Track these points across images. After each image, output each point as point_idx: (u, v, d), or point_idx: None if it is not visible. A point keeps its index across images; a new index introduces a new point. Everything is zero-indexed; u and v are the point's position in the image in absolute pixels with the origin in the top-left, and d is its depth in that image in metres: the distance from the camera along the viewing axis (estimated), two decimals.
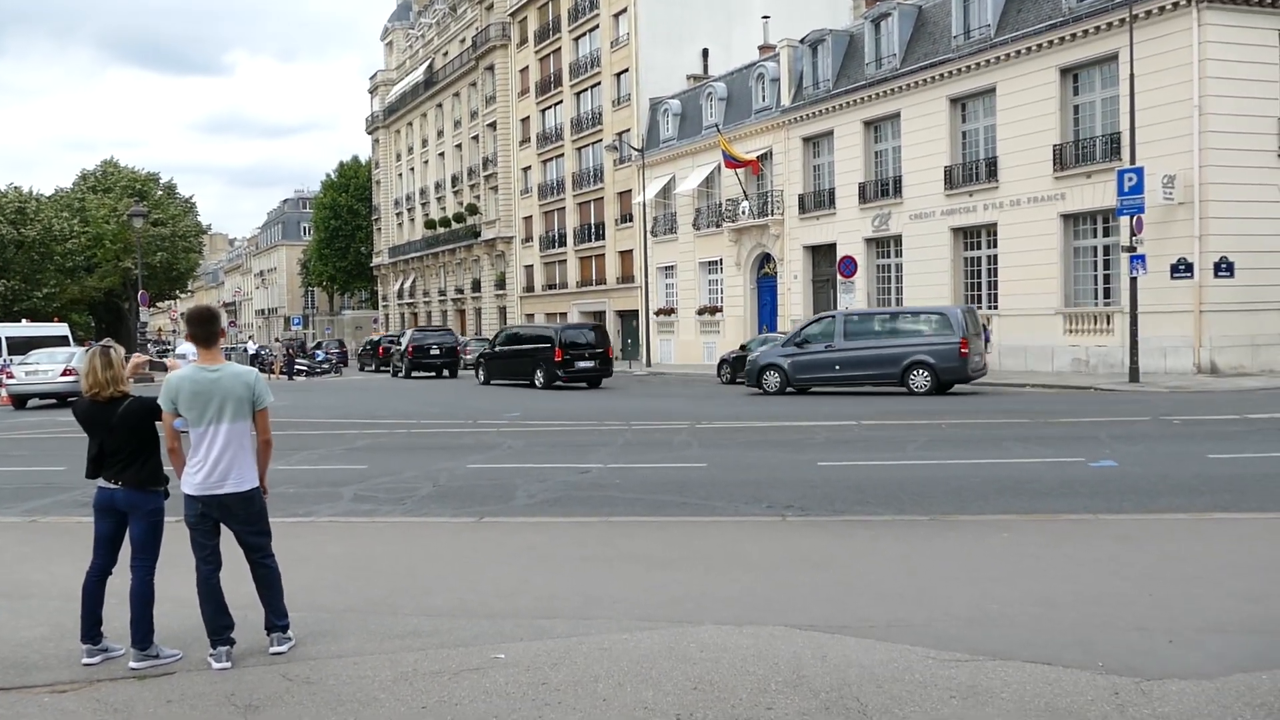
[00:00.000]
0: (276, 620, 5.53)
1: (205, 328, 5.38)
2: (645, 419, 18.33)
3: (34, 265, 49.27)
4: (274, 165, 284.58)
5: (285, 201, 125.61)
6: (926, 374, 22.02)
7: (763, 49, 41.96)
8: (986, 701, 4.52)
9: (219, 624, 5.35)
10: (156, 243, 54.50)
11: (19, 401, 25.86)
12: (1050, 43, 27.30)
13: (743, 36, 46.38)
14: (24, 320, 40.37)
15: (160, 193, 63.62)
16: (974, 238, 30.72)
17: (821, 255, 36.39)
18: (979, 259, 30.56)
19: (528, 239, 58.53)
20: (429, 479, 11.88)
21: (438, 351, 40.20)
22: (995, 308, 29.47)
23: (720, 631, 5.69)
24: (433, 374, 40.21)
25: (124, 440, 5.37)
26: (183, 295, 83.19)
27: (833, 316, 24.30)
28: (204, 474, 5.29)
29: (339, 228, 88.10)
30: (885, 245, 33.86)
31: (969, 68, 29.91)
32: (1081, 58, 26.72)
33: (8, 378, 26.35)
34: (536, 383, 29.45)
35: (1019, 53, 28.24)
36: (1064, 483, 10.48)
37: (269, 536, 5.55)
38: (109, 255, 53.46)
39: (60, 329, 36.68)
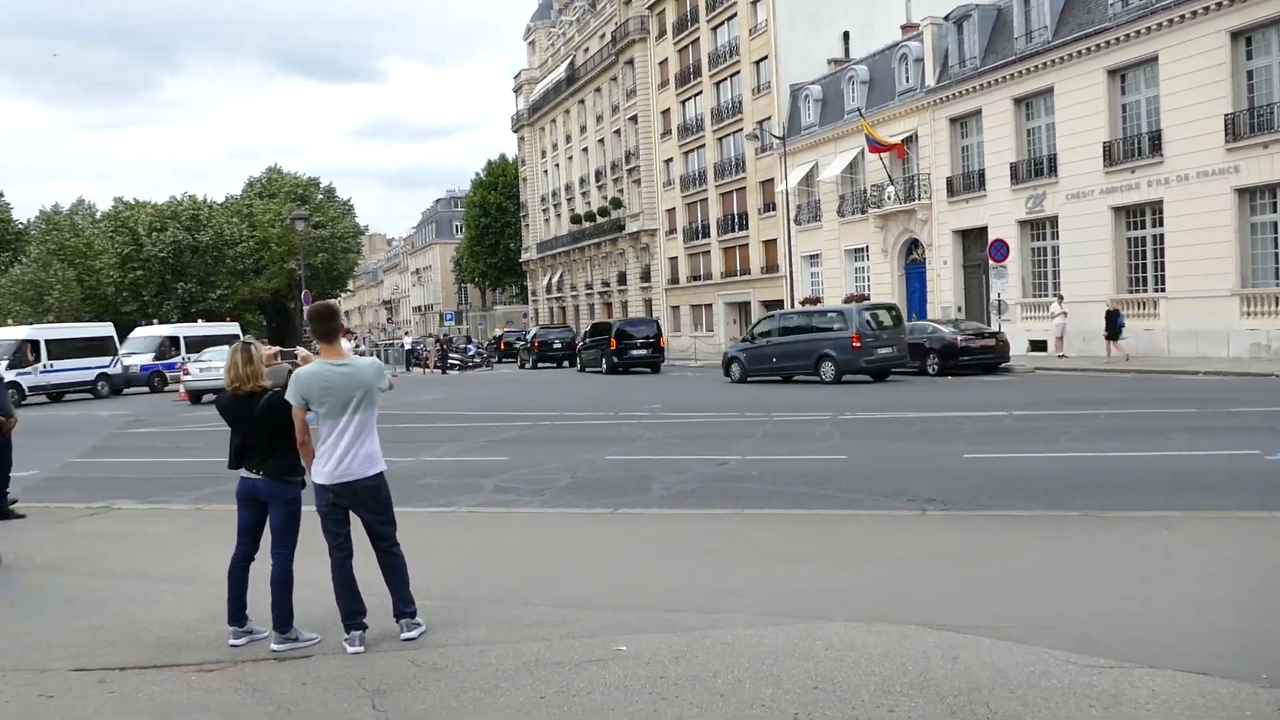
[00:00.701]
0: (404, 607, 5.65)
1: (325, 323, 5.54)
2: (787, 410, 18.07)
3: (208, 269, 52.19)
4: (427, 166, 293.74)
5: (438, 201, 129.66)
6: (830, 365, 24.66)
7: (905, 28, 40.81)
8: (1130, 713, 4.23)
9: (352, 609, 5.51)
10: (317, 244, 56.97)
11: (195, 397, 27.37)
12: (1219, 4, 25.61)
13: (884, 17, 45.21)
14: (199, 320, 42.93)
15: (321, 196, 66.45)
16: (1137, 217, 29.14)
17: (972, 239, 35.19)
18: (1142, 239, 28.98)
19: (671, 231, 58.63)
20: (568, 470, 11.99)
21: (559, 345, 45.34)
22: (1162, 290, 27.89)
23: (848, 629, 5.53)
24: (554, 364, 44.56)
25: (264, 432, 5.58)
26: (344, 294, 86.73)
27: (773, 315, 28.20)
28: (334, 463, 5.45)
29: (489, 225, 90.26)
30: (1040, 227, 32.49)
31: (1128, 36, 28.35)
32: (1254, 19, 24.97)
33: (184, 375, 27.93)
34: (603, 368, 34.52)
35: (1183, 17, 26.59)
36: (1235, 477, 9.79)
37: (394, 525, 5.69)
38: (275, 257, 56.20)
39: (232, 328, 38.74)
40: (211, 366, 27.24)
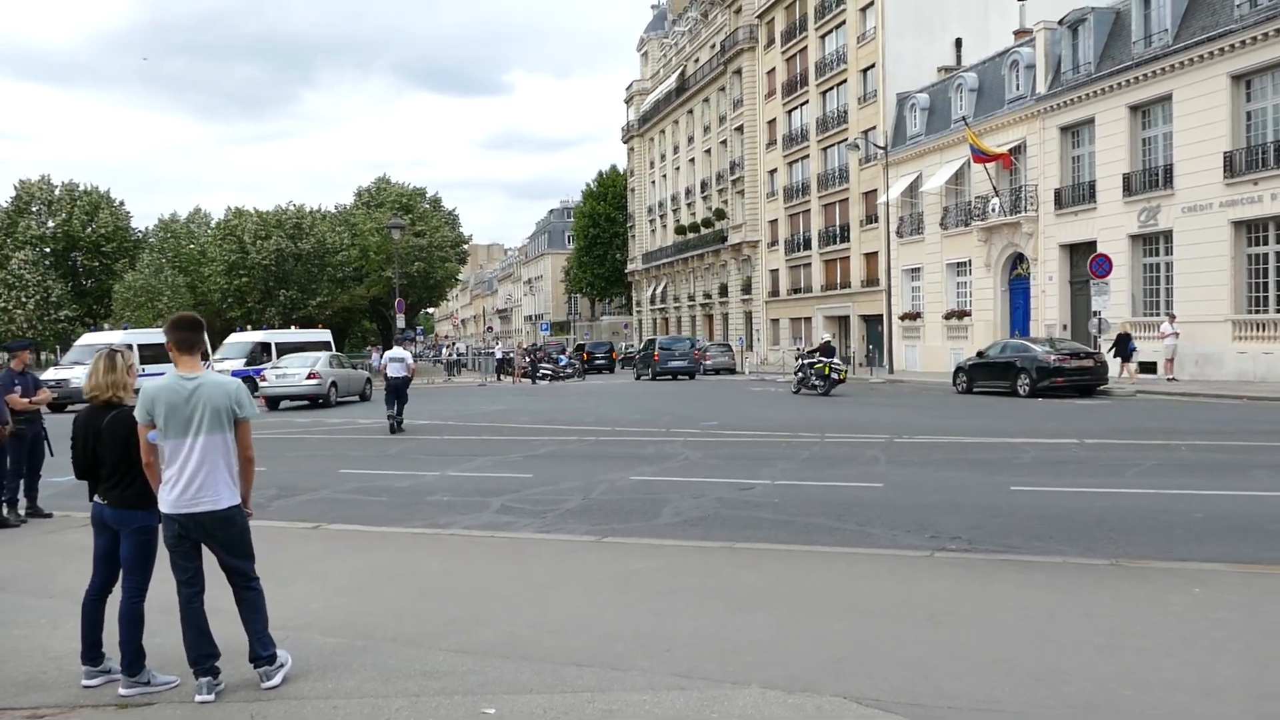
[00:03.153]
0: (261, 651, 5.08)
1: (183, 334, 4.98)
2: (844, 431, 17.18)
3: (310, 276, 53.37)
4: (549, 177, 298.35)
5: (551, 212, 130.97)
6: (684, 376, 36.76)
7: (1018, 34, 39.05)
8: None
9: (202, 652, 4.97)
10: (415, 253, 57.74)
11: (272, 403, 27.77)
12: None
13: (1000, 23, 43.44)
14: (293, 327, 43.85)
15: (426, 206, 67.53)
16: (1259, 232, 27.02)
17: (1080, 254, 33.28)
18: (1264, 256, 26.85)
19: (773, 243, 57.65)
20: (583, 491, 11.48)
21: (601, 357, 51.69)
22: None
23: (763, 698, 4.75)
24: (596, 373, 48.74)
25: (110, 451, 5.09)
26: (443, 301, 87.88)
27: (654, 340, 39.92)
28: (179, 491, 4.91)
29: (597, 235, 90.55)
30: (1153, 242, 30.49)
31: (1255, 39, 26.33)
32: None
33: (261, 381, 28.33)
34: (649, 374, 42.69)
35: None
36: None
37: (251, 560, 5.11)
38: (373, 265, 57.15)
39: (323, 335, 39.39)
40: (288, 373, 27.55)
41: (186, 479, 4.87)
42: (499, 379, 45.52)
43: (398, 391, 19.68)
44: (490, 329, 79.45)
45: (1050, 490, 10.63)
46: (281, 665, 5.11)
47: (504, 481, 12.44)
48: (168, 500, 4.92)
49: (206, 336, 4.95)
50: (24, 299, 52.29)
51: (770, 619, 6.15)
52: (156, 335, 34.58)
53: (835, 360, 28.39)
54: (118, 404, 5.17)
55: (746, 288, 61.14)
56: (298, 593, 7.16)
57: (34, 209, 57.41)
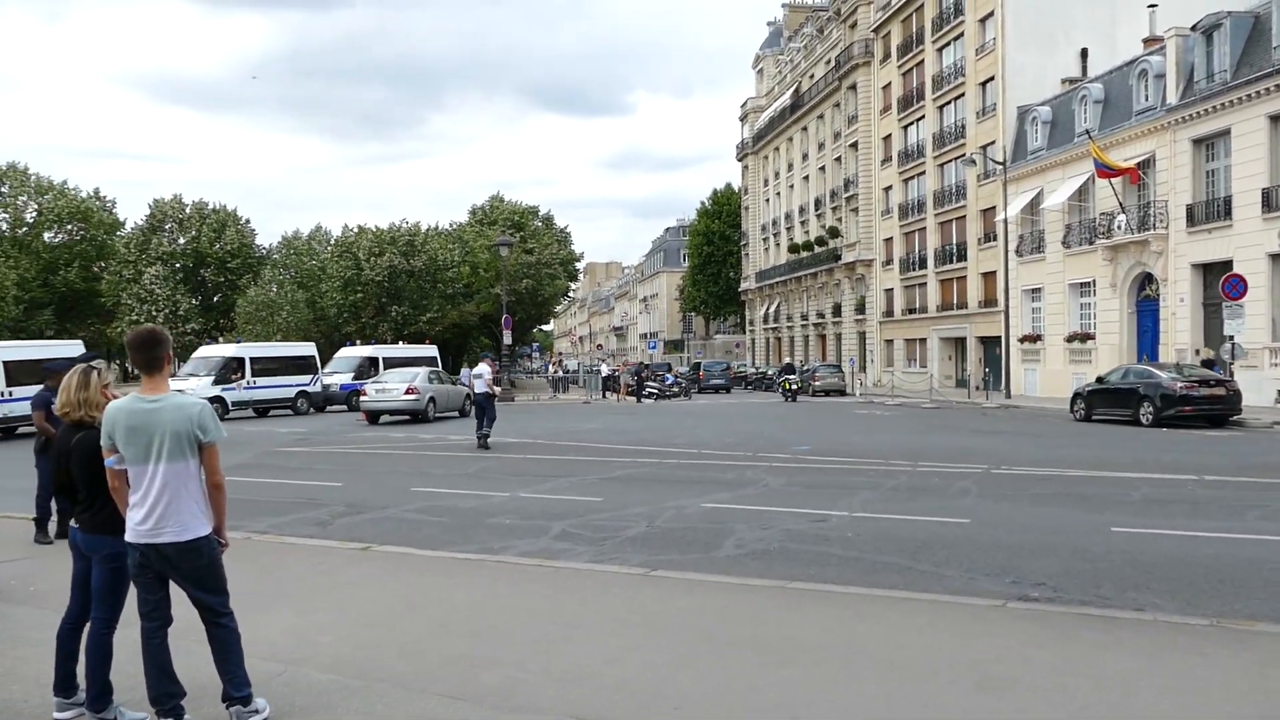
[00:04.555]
0: (234, 692, 4.70)
1: (145, 353, 4.61)
2: (940, 459, 16.27)
3: (422, 292, 54.19)
4: (669, 196, 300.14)
5: (667, 230, 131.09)
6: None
7: (1147, 41, 37.11)
8: None
9: (163, 691, 4.61)
10: (523, 270, 58.12)
11: (372, 417, 28.09)
12: None
13: (1128, 31, 41.41)
14: (402, 343, 44.53)
15: (538, 224, 68.06)
16: None
17: (1214, 274, 31.23)
18: None
19: (888, 261, 56.25)
20: (649, 518, 11.04)
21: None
22: None
23: None
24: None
25: (79, 473, 4.79)
26: (556, 318, 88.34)
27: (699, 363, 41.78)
28: (141, 519, 4.57)
29: (711, 254, 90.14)
30: None
31: None
32: None
33: (362, 396, 28.67)
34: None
35: None
36: None
37: (223, 595, 4.73)
38: (484, 282, 57.75)
39: (429, 350, 39.86)
40: (386, 388, 27.81)
41: (149, 507, 4.53)
42: (604, 396, 45.34)
43: (481, 408, 19.66)
44: (600, 346, 79.55)
45: (1156, 533, 9.65)
46: (257, 712, 4.72)
47: (571, 505, 12.07)
48: (131, 528, 4.59)
49: (171, 351, 4.62)
50: (154, 312, 54.53)
51: (800, 676, 5.52)
52: (269, 349, 35.55)
53: (792, 377, 41.98)
54: (88, 424, 4.88)
55: (860, 307, 59.83)
56: (314, 622, 6.85)
57: (166, 226, 59.92)
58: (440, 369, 33.04)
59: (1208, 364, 26.57)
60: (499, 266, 48.45)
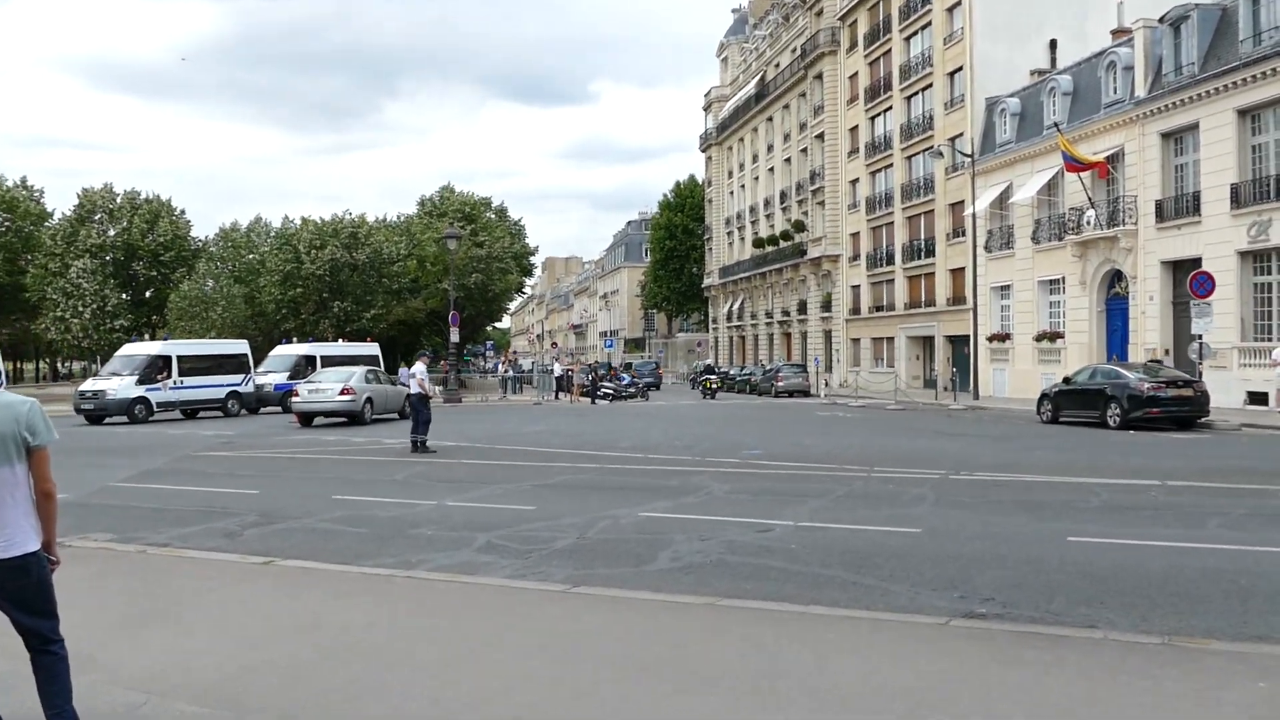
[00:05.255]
0: None
1: None
2: (898, 464, 16.14)
3: (365, 287, 53.64)
4: (633, 188, 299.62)
5: (629, 223, 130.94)
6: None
7: (1115, 33, 37.32)
8: None
9: None
10: (473, 264, 57.61)
11: (305, 419, 27.60)
12: None
13: (1098, 23, 41.62)
14: (341, 340, 43.87)
15: (490, 215, 67.60)
16: None
17: (1184, 272, 31.39)
18: None
19: (855, 257, 56.39)
20: (581, 528, 10.78)
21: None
22: None
23: None
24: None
25: None
26: (509, 315, 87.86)
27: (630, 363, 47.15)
28: None
29: (674, 248, 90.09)
30: (1264, 259, 28.61)
31: None
32: None
33: (294, 397, 28.13)
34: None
35: None
36: None
37: (53, 619, 4.35)
38: (431, 277, 57.21)
39: (370, 349, 39.33)
40: (320, 388, 27.33)
41: None
42: (557, 398, 45.03)
43: (416, 410, 19.46)
44: (555, 345, 79.23)
45: (1113, 543, 9.47)
46: None
47: (500, 514, 11.81)
48: None
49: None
50: (80, 308, 53.42)
51: (715, 705, 5.22)
52: (198, 346, 34.86)
53: (711, 376, 48.57)
54: None
55: (826, 305, 59.95)
56: (193, 646, 6.49)
57: (96, 217, 58.71)
58: (379, 368, 32.56)
59: (1154, 364, 26.49)
60: (447, 260, 47.88)
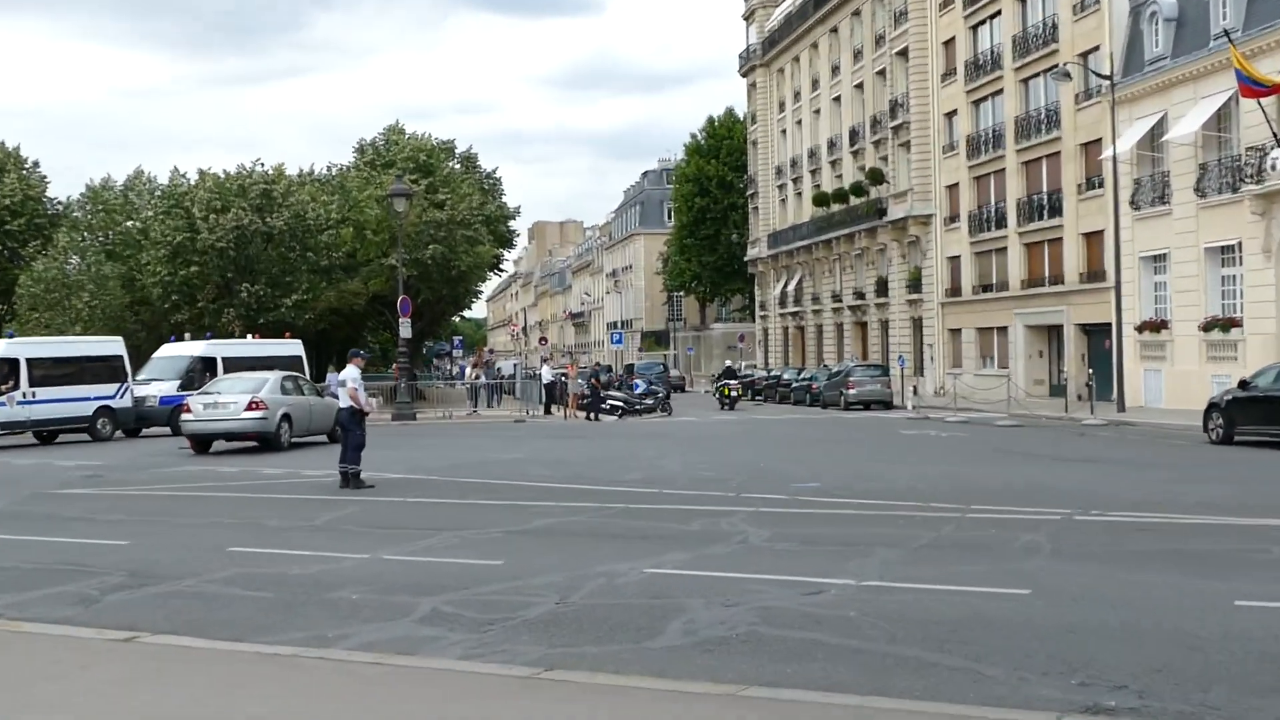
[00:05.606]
0: None
1: None
2: (1003, 501, 16.40)
3: (285, 264, 54.02)
4: (650, 128, 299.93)
5: (646, 176, 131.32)
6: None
7: None
8: None
9: None
10: (429, 231, 57.79)
11: (201, 444, 27.76)
12: None
13: None
14: (251, 336, 43.93)
15: (455, 166, 67.77)
16: None
17: None
18: None
19: (952, 218, 56.47)
20: (564, 590, 10.90)
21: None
22: None
23: None
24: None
25: None
26: (485, 301, 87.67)
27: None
28: None
29: (707, 209, 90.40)
30: None
31: None
32: None
33: (185, 413, 28.24)
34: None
35: None
36: None
37: None
38: (374, 250, 57.40)
39: (291, 348, 39.49)
40: (223, 403, 27.53)
41: None
42: (547, 412, 45.12)
43: (346, 431, 19.73)
44: (544, 340, 79.03)
45: None
46: None
47: (455, 571, 12.02)
48: None
49: None
50: None
51: None
52: (55, 346, 35.02)
53: (731, 381, 52.62)
54: None
55: (915, 284, 60.06)
56: None
57: None
58: (303, 375, 32.69)
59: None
60: (395, 226, 48.05)
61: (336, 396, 22.83)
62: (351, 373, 20.17)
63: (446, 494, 18.88)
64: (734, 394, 50.30)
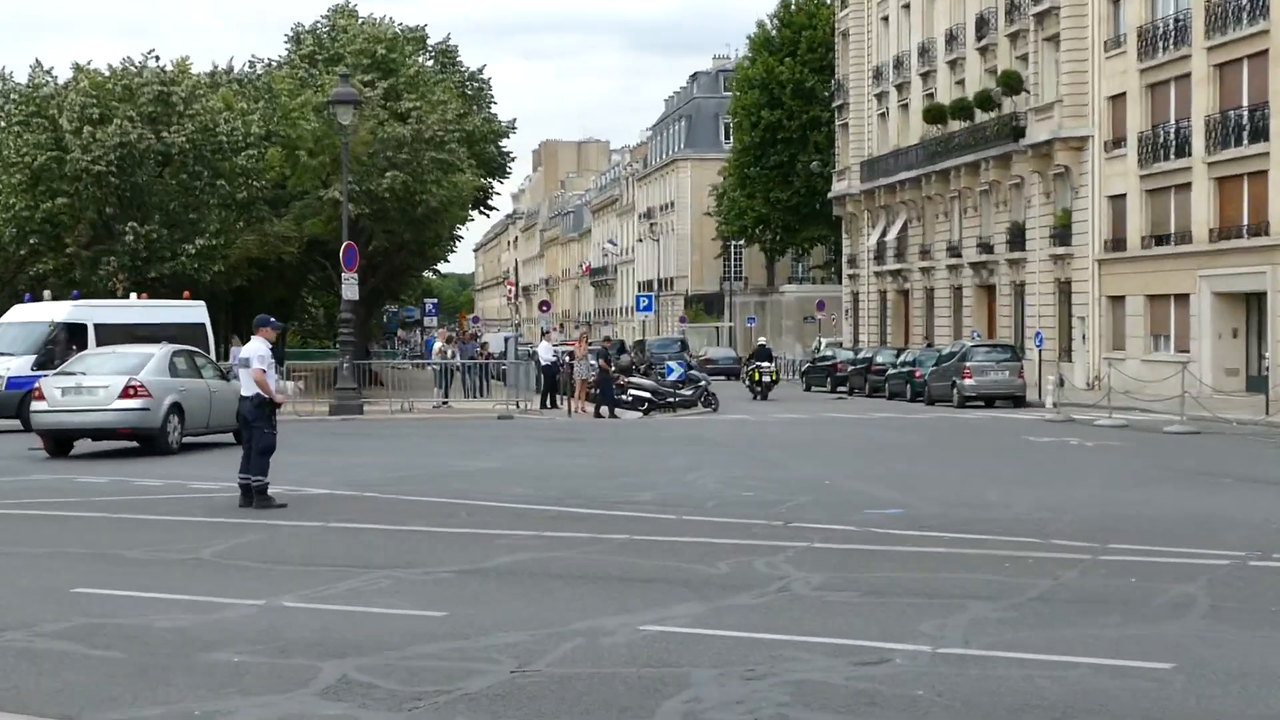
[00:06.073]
0: None
1: None
2: (1150, 539, 16.47)
3: (188, 197, 54.00)
4: (701, 14, 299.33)
5: (695, 79, 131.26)
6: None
7: None
8: None
9: None
10: (389, 153, 57.61)
11: (59, 443, 28.01)
12: None
13: None
14: (136, 296, 43.88)
15: (424, 63, 67.50)
16: None
17: None
18: None
19: (1115, 142, 56.45)
20: (526, 654, 10.94)
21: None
22: None
23: None
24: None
25: None
26: (475, 252, 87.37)
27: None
28: None
29: (778, 125, 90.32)
30: None
31: None
32: None
33: (36, 399, 28.38)
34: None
35: None
36: None
37: None
38: (311, 178, 57.27)
39: (191, 313, 39.59)
40: (88, 387, 27.75)
41: None
42: (545, 404, 45.26)
43: (249, 427, 19.89)
44: (545, 307, 78.89)
45: None
46: None
47: (380, 625, 12.07)
48: None
49: None
50: None
51: None
52: None
53: (765, 364, 56.89)
54: None
55: (1063, 233, 60.07)
56: None
57: None
58: (205, 350, 32.88)
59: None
60: (339, 146, 48.14)
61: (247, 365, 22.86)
62: (257, 348, 20.06)
63: (385, 518, 18.95)
64: (769, 379, 55.90)
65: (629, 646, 11.09)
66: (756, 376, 55.74)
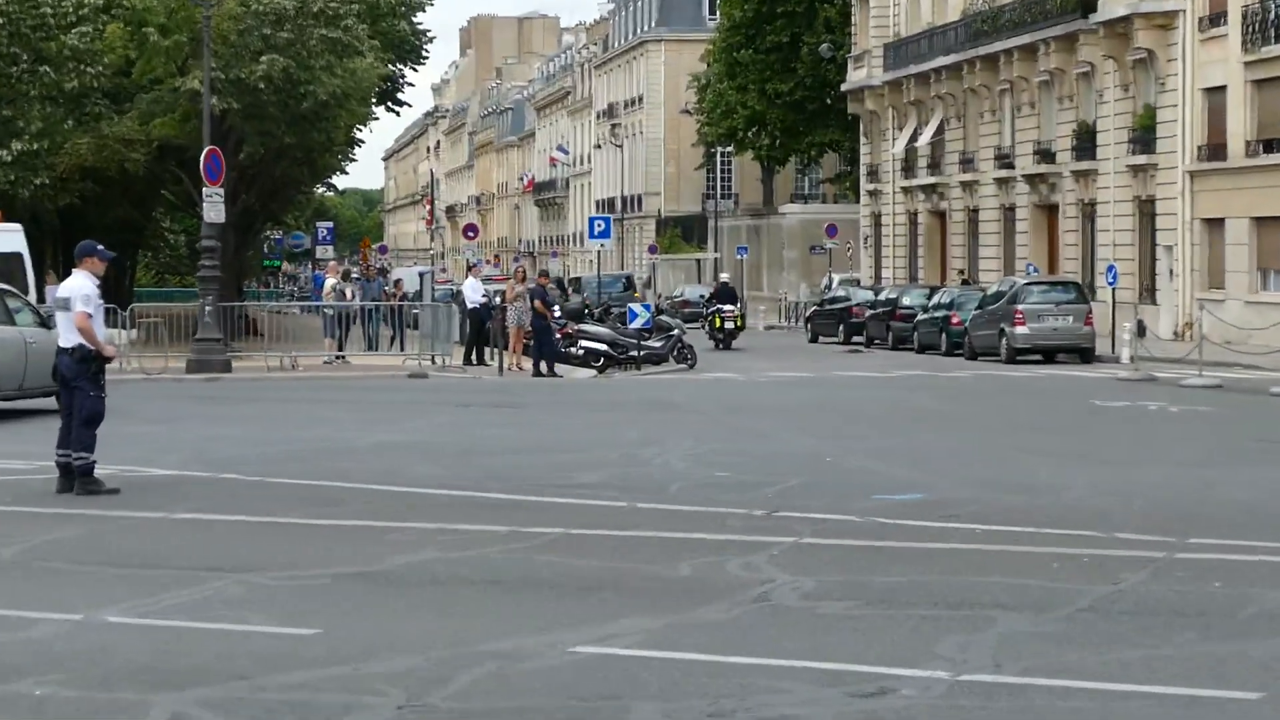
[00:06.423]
0: None
1: None
2: (1240, 532, 16.76)
3: (4, 87, 53.89)
4: None
5: None
6: None
7: None
8: None
9: None
10: (260, 30, 57.46)
11: None
12: None
13: None
14: None
15: None
16: None
17: None
18: None
19: (1213, 19, 56.49)
20: (420, 683, 10.93)
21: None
22: None
23: None
24: None
25: None
26: (353, 162, 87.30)
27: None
28: None
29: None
30: None
31: None
32: None
33: None
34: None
35: None
36: None
37: None
38: (160, 62, 57.23)
39: (7, 239, 39.58)
40: None
41: None
42: (472, 361, 45.45)
43: (70, 388, 19.92)
44: (472, 232, 79.08)
45: None
46: None
47: (231, 646, 12.05)
48: None
49: None
50: None
51: None
52: None
53: (727, 306, 60.03)
54: None
55: (1143, 136, 60.06)
56: None
57: None
58: (21, 290, 32.93)
59: None
60: (199, 22, 48.11)
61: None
62: (80, 285, 20.08)
63: (248, 507, 19.00)
64: (730, 325, 58.71)
65: (554, 673, 11.05)
66: (718, 322, 59.11)
